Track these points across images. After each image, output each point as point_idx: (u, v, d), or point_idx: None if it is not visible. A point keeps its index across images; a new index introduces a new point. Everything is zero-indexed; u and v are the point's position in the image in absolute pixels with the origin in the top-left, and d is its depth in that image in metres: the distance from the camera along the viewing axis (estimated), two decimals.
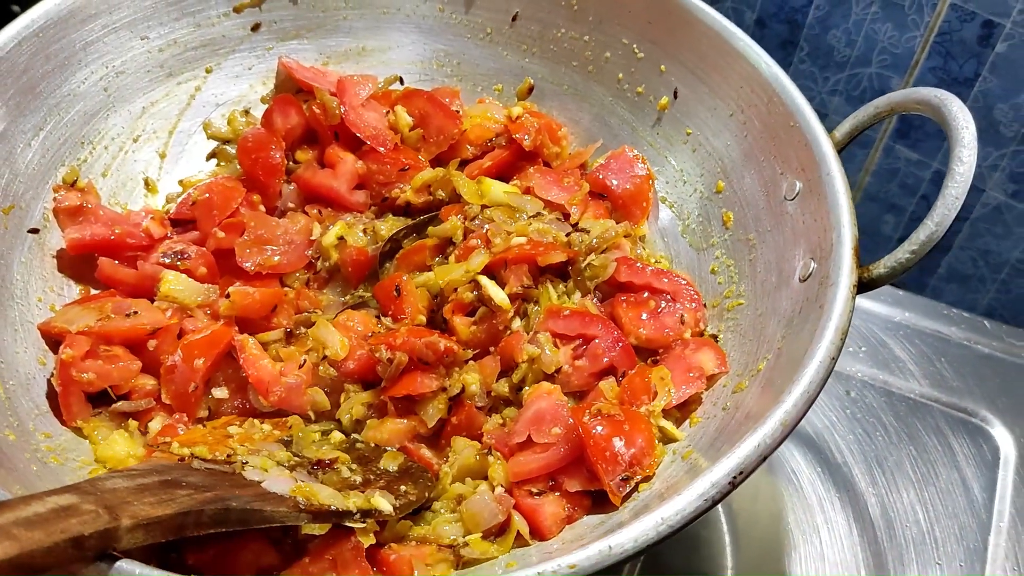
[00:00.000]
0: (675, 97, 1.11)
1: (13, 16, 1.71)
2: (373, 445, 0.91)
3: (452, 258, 1.02)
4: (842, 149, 0.92)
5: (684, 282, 1.00)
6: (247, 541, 0.77)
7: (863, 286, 0.82)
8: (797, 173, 0.93)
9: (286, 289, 1.02)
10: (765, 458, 0.71)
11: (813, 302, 0.83)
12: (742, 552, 1.04)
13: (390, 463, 0.89)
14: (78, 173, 1.02)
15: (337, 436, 0.92)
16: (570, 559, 0.64)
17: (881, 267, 0.83)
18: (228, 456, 0.80)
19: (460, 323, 0.97)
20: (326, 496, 0.77)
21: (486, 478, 0.90)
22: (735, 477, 0.68)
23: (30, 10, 0.98)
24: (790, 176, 0.94)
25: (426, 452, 0.93)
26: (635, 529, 0.66)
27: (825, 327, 0.77)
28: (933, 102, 0.85)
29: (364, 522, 0.79)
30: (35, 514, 0.59)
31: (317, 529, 0.78)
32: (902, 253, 0.82)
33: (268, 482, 0.76)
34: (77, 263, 0.99)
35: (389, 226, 1.09)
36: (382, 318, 1.00)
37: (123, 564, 0.62)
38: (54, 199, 0.99)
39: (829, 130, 0.93)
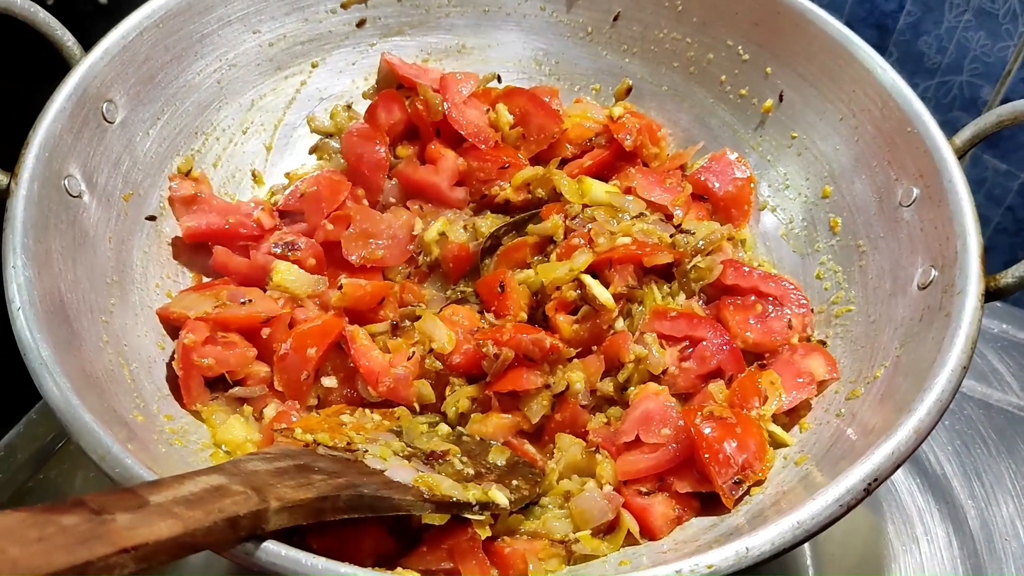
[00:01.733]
0: (780, 100, 1.10)
1: (100, 8, 1.75)
2: (478, 439, 0.92)
3: (553, 256, 1.02)
4: (962, 156, 0.91)
5: (791, 286, 0.99)
6: (368, 528, 0.78)
7: (990, 295, 0.81)
8: (914, 179, 0.92)
9: (392, 282, 1.03)
10: (899, 466, 0.70)
11: (937, 310, 0.82)
12: (838, 563, 1.03)
13: (498, 457, 0.89)
14: (192, 163, 1.04)
15: (444, 428, 0.93)
16: (707, 559, 0.64)
17: (1009, 276, 0.82)
18: (348, 444, 0.81)
19: (563, 321, 0.97)
20: (447, 487, 0.78)
21: (592, 476, 0.90)
22: (870, 484, 0.68)
23: (151, 1, 1.00)
24: (906, 182, 0.94)
25: (529, 448, 0.94)
26: (772, 531, 0.66)
27: (955, 335, 0.77)
28: None
29: (482, 514, 0.80)
30: (191, 493, 0.60)
31: (437, 519, 0.78)
32: None
33: (391, 471, 0.77)
34: (190, 250, 1.02)
35: (489, 223, 1.09)
36: (485, 314, 1.01)
37: (269, 544, 0.63)
38: (170, 188, 1.01)
39: None
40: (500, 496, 0.81)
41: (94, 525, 0.54)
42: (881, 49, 1.63)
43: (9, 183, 0.83)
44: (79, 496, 0.56)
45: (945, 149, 0.90)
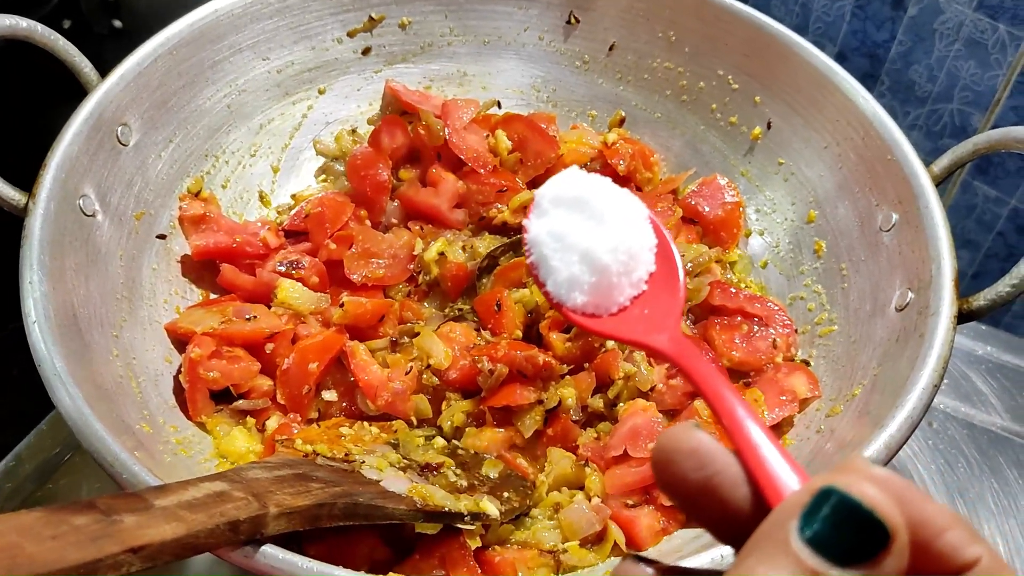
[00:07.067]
0: (768, 128, 1.14)
1: (115, 30, 1.80)
2: (473, 452, 0.95)
3: None
4: (939, 183, 0.95)
5: (776, 307, 1.03)
6: (362, 536, 0.82)
7: (962, 317, 0.85)
8: (894, 205, 0.96)
9: (392, 300, 1.07)
10: None
11: (912, 332, 0.85)
12: None
13: (491, 470, 0.93)
14: (202, 184, 1.08)
15: (440, 442, 0.96)
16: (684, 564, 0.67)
17: (981, 299, 0.85)
18: (346, 455, 0.85)
19: (556, 339, 1.01)
20: (440, 497, 0.81)
21: (582, 488, 0.94)
22: None
23: (165, 29, 1.04)
24: (886, 208, 0.97)
25: (522, 461, 0.97)
26: None
27: (927, 355, 0.80)
28: None
29: (473, 524, 0.83)
30: (194, 498, 0.64)
31: (430, 529, 0.82)
32: (1003, 287, 0.84)
33: (386, 481, 0.81)
34: (198, 268, 1.05)
35: (487, 244, 1.13)
36: (481, 331, 1.04)
37: (268, 548, 0.66)
38: (180, 207, 1.05)
39: None
40: (491, 507, 0.84)
41: (104, 525, 0.57)
42: (873, 78, 1.67)
43: (27, 202, 0.87)
44: (90, 498, 0.59)
45: (923, 176, 0.94)
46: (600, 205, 0.73)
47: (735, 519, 0.40)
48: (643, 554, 0.81)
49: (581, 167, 1.17)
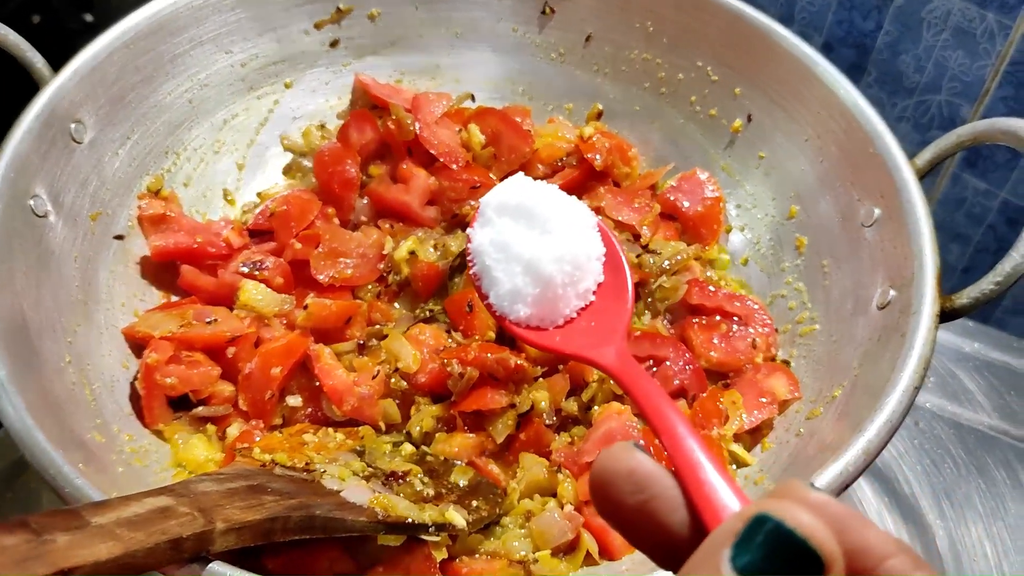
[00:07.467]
0: (748, 121, 1.11)
1: (86, 25, 1.75)
2: (442, 459, 0.92)
3: None
4: (923, 176, 0.92)
5: (756, 306, 1.00)
6: (323, 548, 0.79)
7: (945, 316, 0.82)
8: (876, 200, 0.93)
9: (359, 301, 1.04)
10: (847, 487, 0.70)
11: (893, 331, 0.82)
12: None
13: (460, 477, 0.89)
14: (162, 182, 1.04)
15: (408, 448, 0.93)
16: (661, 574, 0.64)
17: (964, 297, 0.82)
18: (307, 464, 0.81)
19: None
20: (403, 508, 0.78)
21: (554, 495, 0.90)
22: None
23: (122, 21, 1.01)
24: (868, 203, 0.94)
25: (494, 467, 0.94)
26: None
27: (908, 356, 0.77)
28: (1020, 133, 0.84)
29: (438, 535, 0.80)
30: (135, 515, 0.60)
31: (392, 540, 0.79)
32: (986, 284, 0.81)
33: (347, 492, 0.78)
34: (158, 270, 1.02)
35: (459, 242, 1.10)
36: (452, 333, 1.01)
37: (215, 566, 0.63)
38: (139, 207, 1.02)
39: None
40: (457, 517, 0.81)
41: (34, 546, 0.54)
42: (860, 69, 1.64)
43: None
44: (23, 516, 0.56)
45: (906, 169, 0.91)
46: (545, 214, 0.71)
47: (673, 544, 0.39)
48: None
49: (557, 162, 1.15)
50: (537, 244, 0.71)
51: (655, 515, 0.39)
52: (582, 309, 0.73)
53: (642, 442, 0.87)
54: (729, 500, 0.40)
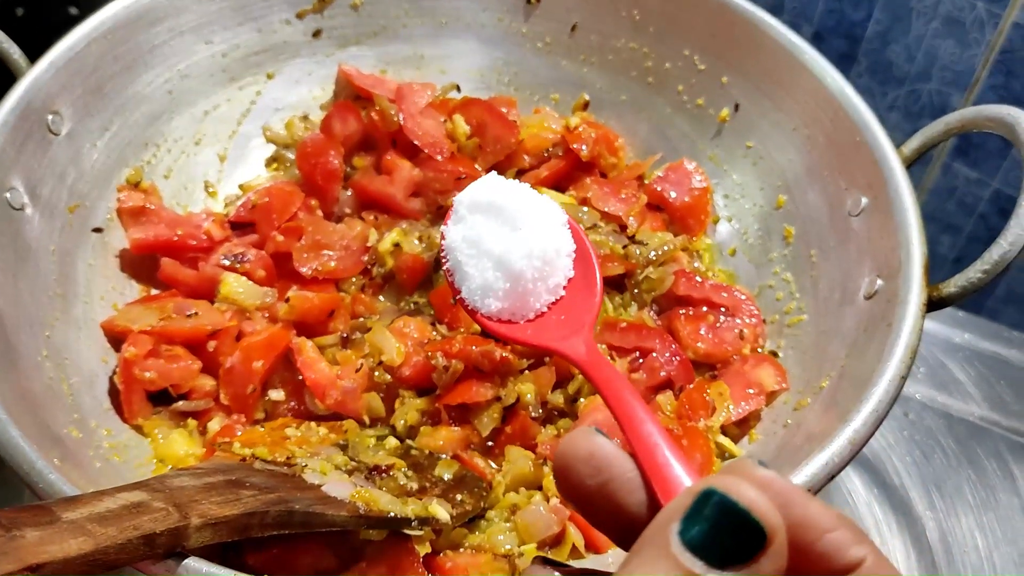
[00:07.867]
0: (736, 110, 1.10)
1: (71, 18, 1.74)
2: (427, 452, 0.91)
3: None
4: (910, 165, 0.91)
5: (743, 297, 0.99)
6: (306, 544, 0.77)
7: (933, 305, 0.81)
8: (863, 189, 0.92)
9: (342, 294, 1.03)
10: (832, 477, 0.70)
11: (880, 320, 0.81)
12: None
13: (445, 471, 0.88)
14: (142, 174, 1.03)
15: (392, 442, 0.92)
16: None
17: (952, 286, 0.81)
18: (288, 458, 0.80)
19: None
20: (385, 502, 0.77)
21: (540, 488, 0.89)
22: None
23: (100, 11, 0.99)
24: (855, 192, 0.93)
25: (479, 461, 0.93)
26: None
27: (894, 345, 0.76)
28: (1007, 120, 0.84)
29: (421, 530, 0.79)
30: (107, 510, 0.59)
31: (375, 535, 0.78)
32: (974, 272, 0.80)
33: (328, 486, 0.76)
34: (138, 263, 1.01)
35: None
36: (437, 325, 1.00)
37: (191, 562, 0.62)
38: (118, 199, 1.00)
39: None
40: (441, 511, 0.80)
41: (2, 541, 0.53)
42: (850, 58, 1.63)
43: None
44: None
45: (893, 158, 0.90)
46: (516, 211, 0.73)
47: (632, 524, 0.40)
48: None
49: (543, 152, 1.14)
50: (508, 240, 0.73)
51: (614, 496, 0.40)
52: (552, 303, 0.75)
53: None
54: (684, 480, 0.41)
